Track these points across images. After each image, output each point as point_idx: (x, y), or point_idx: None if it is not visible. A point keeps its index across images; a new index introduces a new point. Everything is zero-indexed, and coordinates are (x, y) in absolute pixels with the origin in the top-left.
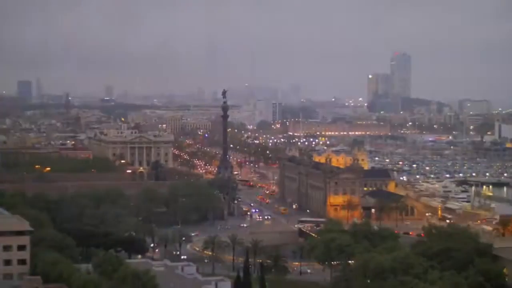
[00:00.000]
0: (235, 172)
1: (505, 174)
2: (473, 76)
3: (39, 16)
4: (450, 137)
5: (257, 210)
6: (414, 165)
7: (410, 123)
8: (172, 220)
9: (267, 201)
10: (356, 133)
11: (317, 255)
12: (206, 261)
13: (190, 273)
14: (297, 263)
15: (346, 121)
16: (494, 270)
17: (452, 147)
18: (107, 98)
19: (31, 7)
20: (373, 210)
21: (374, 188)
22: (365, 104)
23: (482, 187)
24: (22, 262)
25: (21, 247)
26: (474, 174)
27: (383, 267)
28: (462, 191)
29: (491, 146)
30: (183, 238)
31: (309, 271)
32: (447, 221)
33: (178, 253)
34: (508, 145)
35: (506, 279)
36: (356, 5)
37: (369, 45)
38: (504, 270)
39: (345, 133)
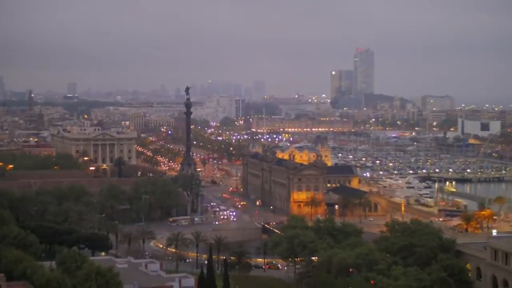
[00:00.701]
0: (199, 169)
1: (468, 170)
2: (436, 72)
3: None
4: (413, 133)
5: (220, 207)
6: (378, 161)
7: (373, 120)
8: (136, 217)
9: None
10: (319, 129)
11: (280, 252)
12: (169, 258)
13: (153, 270)
14: (260, 259)
15: (309, 118)
16: (457, 265)
17: (415, 143)
18: (70, 95)
19: None
20: (336, 206)
21: (338, 185)
22: (328, 101)
23: (445, 183)
24: None
25: None
26: (437, 170)
27: (347, 263)
28: (425, 187)
29: (454, 142)
30: (147, 235)
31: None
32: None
33: (143, 250)
34: (471, 141)
35: (469, 274)
36: (320, 2)
37: (332, 41)
38: (467, 266)
39: (308, 129)
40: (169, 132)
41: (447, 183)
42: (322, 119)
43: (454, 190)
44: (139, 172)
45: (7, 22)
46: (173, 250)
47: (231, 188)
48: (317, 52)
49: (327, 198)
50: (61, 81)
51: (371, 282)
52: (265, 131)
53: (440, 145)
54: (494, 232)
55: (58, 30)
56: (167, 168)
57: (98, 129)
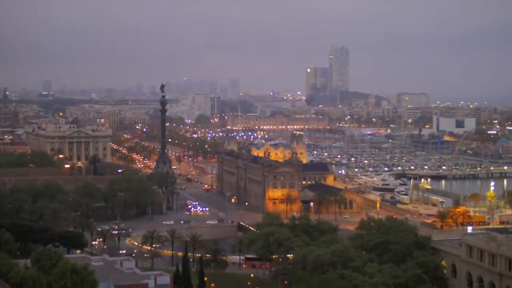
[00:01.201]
0: (174, 167)
1: (443, 167)
2: (412, 69)
3: None
4: (388, 131)
5: (196, 204)
6: (353, 159)
7: (348, 117)
8: (111, 215)
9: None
10: (295, 126)
11: (256, 249)
12: (146, 255)
13: (129, 268)
14: (236, 256)
15: (285, 115)
16: (433, 262)
17: (390, 140)
18: (45, 93)
19: None
20: (311, 203)
21: (313, 182)
22: (304, 98)
23: (421, 180)
24: None
25: None
26: (412, 167)
27: (322, 261)
28: (401, 184)
29: (429, 139)
30: (123, 232)
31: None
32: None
33: (118, 247)
34: (446, 138)
35: (445, 271)
36: None
37: (307, 39)
38: (442, 262)
39: (283, 127)
40: (144, 130)
41: (422, 180)
42: (297, 116)
43: (429, 187)
44: (115, 170)
45: None
46: (149, 247)
47: (206, 186)
48: (292, 49)
49: (303, 196)
50: (36, 79)
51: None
52: (240, 128)
53: (415, 142)
54: (469, 229)
55: (32, 28)
56: (142, 165)
57: (73, 127)
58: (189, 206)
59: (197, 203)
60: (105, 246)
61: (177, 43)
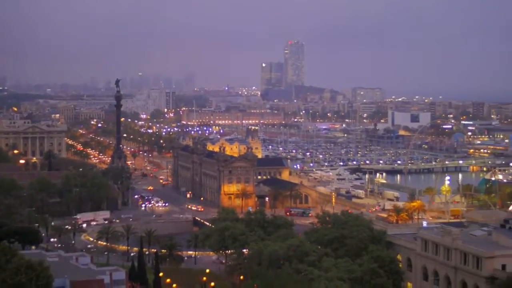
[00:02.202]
0: (129, 162)
1: (398, 161)
2: (367, 64)
3: None
4: (344, 125)
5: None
6: (308, 153)
7: (303, 111)
8: (66, 210)
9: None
10: (250, 121)
11: (211, 244)
12: (106, 252)
13: (84, 264)
14: (191, 252)
15: (240, 110)
16: (388, 256)
17: (345, 135)
18: (0, 88)
19: None
20: (267, 198)
21: (268, 177)
22: (259, 93)
23: (376, 174)
24: None
25: None
26: (367, 161)
27: (278, 255)
28: (356, 179)
29: (384, 133)
30: (78, 228)
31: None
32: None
33: (73, 242)
34: (401, 132)
35: (400, 265)
36: None
37: (263, 34)
38: (398, 256)
39: (238, 121)
40: (99, 125)
41: (378, 174)
42: (252, 111)
43: (384, 181)
44: (70, 166)
45: None
46: (104, 243)
47: (161, 181)
48: (247, 44)
49: (258, 190)
50: None
51: None
52: (195, 123)
53: (371, 136)
54: (424, 223)
55: None
56: (97, 161)
57: (28, 122)
58: (147, 201)
59: (151, 197)
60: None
61: (132, 38)
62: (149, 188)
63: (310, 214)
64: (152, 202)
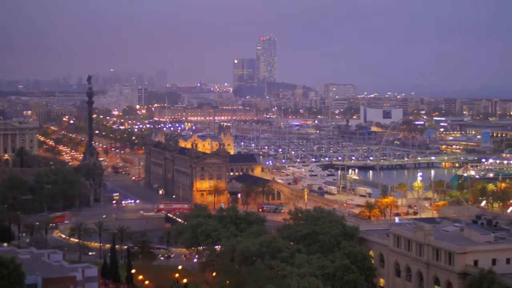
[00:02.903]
0: (101, 158)
1: (371, 158)
2: (339, 60)
3: None
4: (316, 121)
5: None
6: (280, 150)
7: (275, 108)
8: (38, 207)
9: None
10: (222, 118)
11: (184, 241)
12: (78, 251)
13: (56, 261)
14: (164, 248)
15: (212, 106)
16: (360, 252)
17: (318, 131)
18: None
19: None
20: (239, 194)
21: (241, 173)
22: (231, 89)
23: (348, 170)
24: None
25: None
26: (340, 158)
27: (250, 252)
28: (328, 175)
29: (356, 130)
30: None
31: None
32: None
33: (45, 239)
34: (373, 128)
35: (372, 261)
36: None
37: (235, 30)
38: (370, 252)
39: (210, 118)
40: (71, 122)
41: (350, 170)
42: (224, 107)
43: (356, 177)
44: (42, 162)
45: None
46: (76, 240)
47: (133, 177)
48: (219, 41)
49: (230, 187)
50: None
51: None
52: (167, 120)
53: (343, 133)
54: (397, 219)
55: None
56: (69, 157)
57: (0, 119)
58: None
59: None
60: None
61: (104, 35)
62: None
63: (282, 211)
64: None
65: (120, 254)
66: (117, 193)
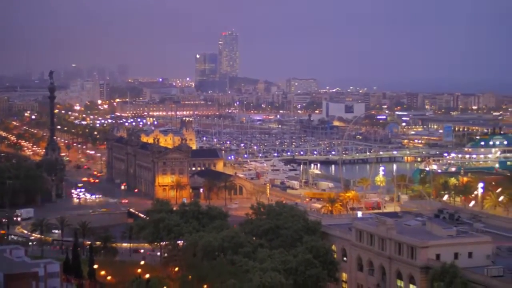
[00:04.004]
0: (63, 154)
1: (333, 152)
2: (301, 55)
3: None
4: (278, 116)
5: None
6: (242, 145)
7: (238, 103)
8: (0, 203)
9: (96, 181)
10: (184, 113)
11: (146, 236)
12: (34, 243)
13: (18, 256)
14: (126, 244)
15: (174, 101)
16: (323, 247)
17: (280, 126)
18: None
19: None
20: (201, 189)
21: (203, 168)
22: (193, 84)
23: (310, 165)
24: None
25: None
26: (302, 152)
27: (213, 247)
28: (291, 170)
29: (318, 124)
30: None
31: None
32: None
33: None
34: (336, 123)
35: (335, 256)
36: None
37: (198, 25)
38: (333, 247)
39: (172, 113)
40: (33, 117)
41: (312, 165)
42: (186, 102)
43: (319, 172)
44: (3, 158)
45: None
46: (38, 235)
47: (95, 172)
48: (181, 35)
49: (192, 182)
50: None
51: None
52: (129, 115)
53: (305, 127)
54: (359, 213)
55: None
56: (31, 153)
57: None
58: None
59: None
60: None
61: (66, 29)
62: (83, 179)
63: None
64: (86, 194)
65: (82, 250)
66: (79, 188)
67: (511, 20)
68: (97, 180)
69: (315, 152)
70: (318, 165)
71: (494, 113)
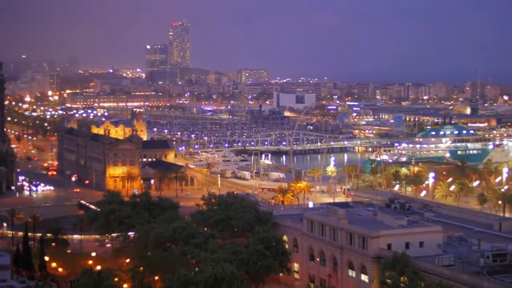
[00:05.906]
0: (13, 146)
1: (284, 143)
2: (252, 45)
3: None
4: (229, 107)
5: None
6: (193, 135)
7: (188, 93)
8: None
9: (50, 173)
10: (135, 104)
11: (97, 227)
12: None
13: None
14: (77, 235)
15: (125, 92)
16: (274, 237)
17: (230, 116)
18: None
19: None
20: (152, 181)
21: (154, 159)
22: (144, 75)
23: (262, 156)
24: None
25: None
26: (253, 143)
27: (164, 238)
28: (242, 160)
29: (269, 115)
30: None
31: None
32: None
33: None
34: (286, 113)
35: (286, 246)
36: None
37: (147, 15)
38: (284, 237)
39: (123, 104)
40: None
41: (263, 156)
42: (137, 93)
43: (270, 163)
44: None
45: None
46: None
47: (46, 164)
48: (131, 26)
49: (143, 173)
50: None
51: None
52: (80, 106)
53: (256, 118)
54: (311, 203)
55: None
56: None
57: None
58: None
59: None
60: None
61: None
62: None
63: None
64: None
65: (33, 242)
66: (30, 180)
67: (465, 11)
68: (54, 173)
69: (266, 143)
70: (269, 155)
71: (444, 103)
